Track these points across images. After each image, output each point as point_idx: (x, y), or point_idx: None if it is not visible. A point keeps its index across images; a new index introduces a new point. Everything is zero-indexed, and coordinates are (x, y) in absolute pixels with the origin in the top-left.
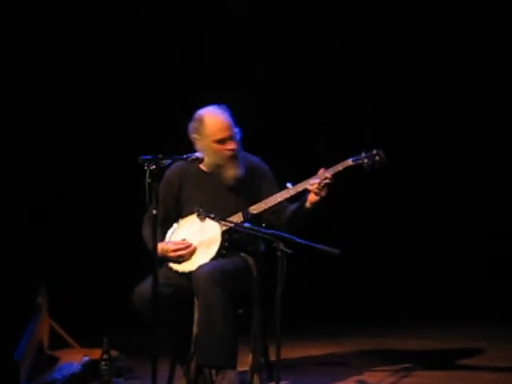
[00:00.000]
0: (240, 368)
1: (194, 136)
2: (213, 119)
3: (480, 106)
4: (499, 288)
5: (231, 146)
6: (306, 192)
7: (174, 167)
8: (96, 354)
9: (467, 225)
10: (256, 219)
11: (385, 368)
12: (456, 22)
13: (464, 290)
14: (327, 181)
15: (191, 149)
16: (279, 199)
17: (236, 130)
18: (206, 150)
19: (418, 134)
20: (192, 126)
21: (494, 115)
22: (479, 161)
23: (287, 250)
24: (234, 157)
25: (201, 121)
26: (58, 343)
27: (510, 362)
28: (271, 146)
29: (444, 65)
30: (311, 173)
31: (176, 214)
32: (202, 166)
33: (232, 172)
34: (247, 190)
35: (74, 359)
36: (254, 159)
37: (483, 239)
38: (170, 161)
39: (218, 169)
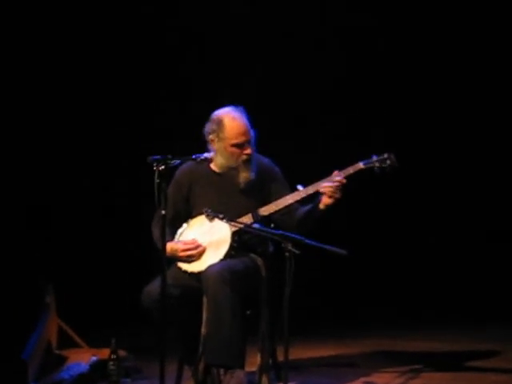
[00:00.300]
0: (248, 368)
1: (210, 137)
2: (233, 122)
3: (480, 106)
4: (504, 288)
5: (248, 150)
6: (316, 194)
7: (184, 167)
8: (104, 353)
9: (470, 225)
10: (265, 220)
11: (392, 369)
12: (456, 21)
13: (471, 292)
14: (340, 183)
15: (193, 149)
16: (290, 201)
17: (252, 133)
18: (222, 151)
19: (418, 135)
20: (209, 126)
21: (495, 115)
22: (480, 161)
23: (295, 251)
24: (248, 160)
25: (220, 122)
26: (66, 343)
27: None
28: (273, 147)
29: (444, 65)
30: (311, 175)
31: (186, 214)
32: (213, 167)
33: (244, 175)
34: (258, 191)
35: (82, 359)
36: (266, 161)
37: (490, 239)
38: (178, 161)
39: (230, 171)
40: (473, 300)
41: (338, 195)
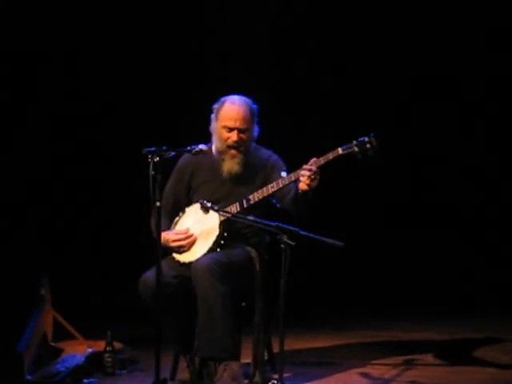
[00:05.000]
0: (244, 360)
1: (212, 116)
2: (230, 106)
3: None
4: (501, 280)
5: (235, 137)
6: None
7: (187, 156)
8: (100, 345)
9: (467, 216)
10: (254, 208)
11: (388, 361)
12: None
13: (469, 282)
14: (310, 173)
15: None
16: (273, 189)
17: (252, 126)
18: (215, 132)
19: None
20: (214, 106)
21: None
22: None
23: (291, 243)
24: (235, 150)
25: (221, 104)
26: (61, 335)
27: (510, 356)
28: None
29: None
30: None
31: (187, 202)
32: (214, 156)
33: (229, 166)
34: (257, 181)
35: (78, 351)
36: (266, 152)
37: (485, 231)
38: (173, 153)
39: (220, 156)
40: (471, 291)
41: (312, 183)
